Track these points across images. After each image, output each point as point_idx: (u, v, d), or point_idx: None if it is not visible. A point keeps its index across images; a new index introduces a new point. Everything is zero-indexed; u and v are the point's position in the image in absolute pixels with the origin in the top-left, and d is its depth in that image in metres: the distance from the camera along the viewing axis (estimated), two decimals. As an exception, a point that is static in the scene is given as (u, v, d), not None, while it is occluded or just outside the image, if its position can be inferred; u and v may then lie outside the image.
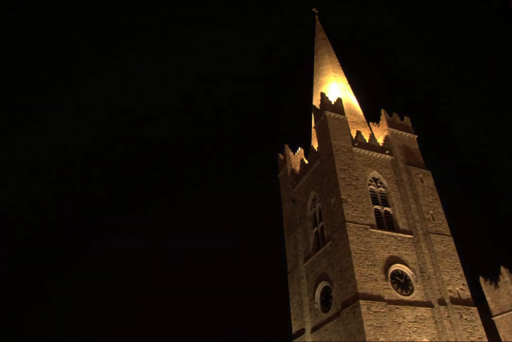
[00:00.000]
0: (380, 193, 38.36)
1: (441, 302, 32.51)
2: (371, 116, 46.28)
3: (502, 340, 38.61)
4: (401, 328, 30.57)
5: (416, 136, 43.18)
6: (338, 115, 40.67)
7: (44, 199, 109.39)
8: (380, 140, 42.48)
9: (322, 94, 42.39)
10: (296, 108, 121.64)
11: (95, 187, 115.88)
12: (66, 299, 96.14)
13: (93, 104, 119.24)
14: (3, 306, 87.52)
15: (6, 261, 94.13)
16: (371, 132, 44.16)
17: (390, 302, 31.26)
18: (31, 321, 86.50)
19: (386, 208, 37.50)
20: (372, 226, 34.80)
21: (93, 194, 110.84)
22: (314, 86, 50.66)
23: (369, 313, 29.54)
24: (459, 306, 32.32)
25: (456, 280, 33.86)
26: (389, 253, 34.17)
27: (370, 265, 32.13)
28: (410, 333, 30.65)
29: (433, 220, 36.76)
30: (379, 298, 30.60)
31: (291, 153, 47.04)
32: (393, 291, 32.33)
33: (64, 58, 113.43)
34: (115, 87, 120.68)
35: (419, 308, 32.09)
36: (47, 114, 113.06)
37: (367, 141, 40.95)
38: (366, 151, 39.96)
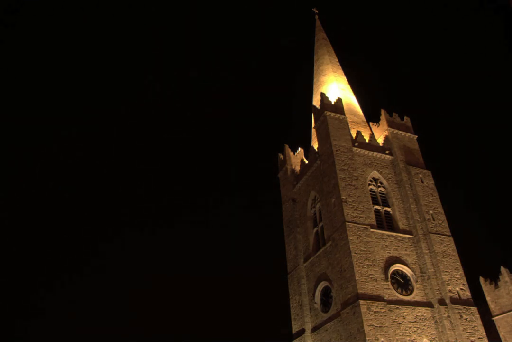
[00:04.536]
0: (380, 193, 38.35)
1: (441, 302, 32.49)
2: (371, 116, 46.35)
3: (502, 340, 38.60)
4: (401, 328, 30.57)
5: (416, 136, 43.17)
6: (338, 115, 40.66)
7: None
8: (380, 140, 42.48)
9: (322, 94, 42.38)
10: (296, 108, 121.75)
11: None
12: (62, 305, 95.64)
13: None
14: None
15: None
16: (371, 132, 44.15)
17: (390, 302, 31.26)
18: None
19: (386, 208, 37.49)
20: (372, 226, 34.79)
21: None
22: (314, 86, 50.66)
23: (369, 313, 29.54)
24: (459, 306, 32.32)
25: (456, 280, 33.85)
26: (389, 253, 34.17)
27: (370, 265, 32.12)
28: (410, 333, 30.64)
29: (433, 220, 36.75)
30: (379, 298, 30.60)
31: (291, 153, 47.03)
32: (393, 291, 32.32)
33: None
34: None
35: (419, 308, 32.09)
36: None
37: (367, 141, 40.94)
38: (366, 151, 39.95)
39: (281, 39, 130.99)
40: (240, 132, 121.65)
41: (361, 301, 29.82)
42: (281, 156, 47.90)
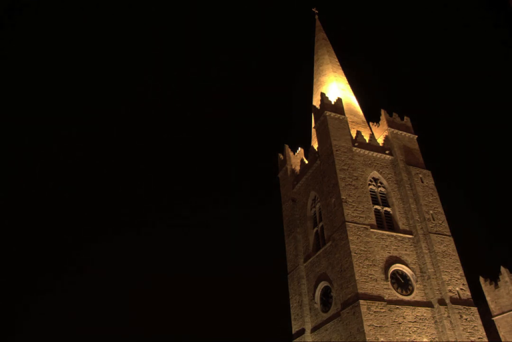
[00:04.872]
0: (380, 193, 38.35)
1: (441, 302, 32.49)
2: (371, 116, 46.34)
3: (502, 340, 38.58)
4: (401, 328, 30.57)
5: (416, 136, 43.16)
6: (338, 115, 40.66)
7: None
8: (380, 140, 42.47)
9: (322, 94, 42.37)
10: (296, 108, 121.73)
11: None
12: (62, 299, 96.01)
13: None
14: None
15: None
16: (371, 132, 44.15)
17: (390, 302, 31.25)
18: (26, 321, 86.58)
19: (386, 208, 37.49)
20: (372, 226, 34.79)
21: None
22: (314, 86, 50.65)
23: (369, 313, 29.53)
24: (459, 306, 32.31)
25: (456, 280, 33.85)
26: (389, 253, 34.16)
27: (370, 265, 32.12)
28: (410, 333, 30.64)
29: (433, 220, 36.75)
30: (379, 298, 30.60)
31: (291, 153, 47.02)
32: (393, 291, 32.32)
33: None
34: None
35: (419, 308, 32.08)
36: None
37: (367, 141, 40.93)
38: (366, 151, 39.94)
39: (281, 39, 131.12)
40: (240, 132, 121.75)
41: (361, 301, 29.82)
42: (281, 156, 47.89)
